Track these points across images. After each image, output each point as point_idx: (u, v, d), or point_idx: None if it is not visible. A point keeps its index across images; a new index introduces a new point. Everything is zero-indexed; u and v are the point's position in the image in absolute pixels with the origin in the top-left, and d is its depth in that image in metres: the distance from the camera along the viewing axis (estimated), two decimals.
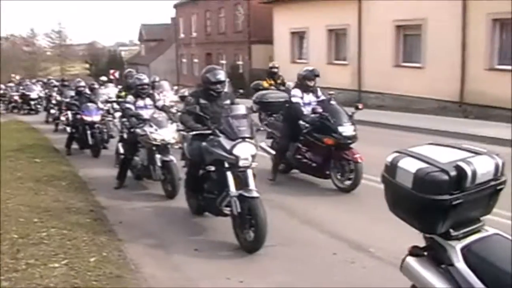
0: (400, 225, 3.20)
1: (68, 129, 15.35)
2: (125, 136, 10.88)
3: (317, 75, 9.65)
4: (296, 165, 9.84)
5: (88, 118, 14.01)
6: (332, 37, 27.25)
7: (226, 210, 6.70)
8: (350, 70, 25.40)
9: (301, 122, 9.42)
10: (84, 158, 13.74)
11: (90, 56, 79.98)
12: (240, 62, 38.36)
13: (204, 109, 7.32)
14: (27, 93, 29.20)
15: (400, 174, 3.04)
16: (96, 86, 18.87)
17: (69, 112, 15.89)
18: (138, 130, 9.61)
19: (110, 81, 28.90)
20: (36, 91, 29.08)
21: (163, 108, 10.18)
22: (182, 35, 50.66)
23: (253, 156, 6.65)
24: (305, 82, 9.56)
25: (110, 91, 21.18)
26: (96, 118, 14.19)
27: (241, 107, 7.09)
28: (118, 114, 13.15)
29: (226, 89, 10.47)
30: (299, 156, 9.58)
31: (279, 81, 16.65)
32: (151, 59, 56.10)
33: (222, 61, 41.03)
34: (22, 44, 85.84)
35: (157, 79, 17.76)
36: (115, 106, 14.08)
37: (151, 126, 9.39)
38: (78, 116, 14.35)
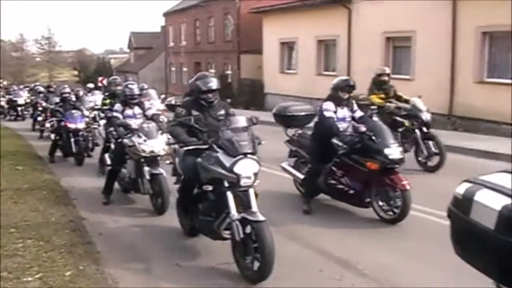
0: (387, 242, 3.01)
1: (52, 136, 14.96)
2: (112, 146, 10.30)
3: (353, 86, 8.33)
4: (328, 190, 8.47)
5: (72, 126, 13.67)
6: (321, 48, 27.12)
7: (226, 234, 6.06)
8: None
9: (335, 141, 8.12)
10: (67, 166, 13.45)
11: (79, 63, 79.60)
12: (229, 72, 38.13)
13: (198, 120, 6.58)
14: (15, 99, 28.63)
15: (478, 211, 2.41)
16: (81, 93, 18.61)
17: (54, 119, 15.64)
18: (125, 141, 8.97)
19: (97, 88, 28.72)
20: (24, 97, 28.47)
21: (152, 118, 9.54)
22: (171, 44, 50.44)
23: (256, 174, 5.91)
24: (338, 93, 8.24)
25: (97, 98, 20.92)
26: (81, 125, 13.86)
27: (241, 118, 6.28)
28: (103, 122, 12.91)
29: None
30: (332, 181, 8.22)
31: (391, 94, 12.21)
32: (140, 67, 55.91)
33: (211, 70, 40.68)
34: (11, 49, 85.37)
35: (145, 86, 17.39)
36: (101, 113, 13.90)
37: (139, 136, 8.76)
38: (62, 123, 13.98)
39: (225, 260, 6.11)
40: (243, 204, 5.93)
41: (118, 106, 9.54)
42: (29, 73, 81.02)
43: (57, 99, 17.04)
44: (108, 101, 12.48)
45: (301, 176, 8.98)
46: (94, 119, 15.41)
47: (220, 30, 39.45)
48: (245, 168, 5.82)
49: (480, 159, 12.84)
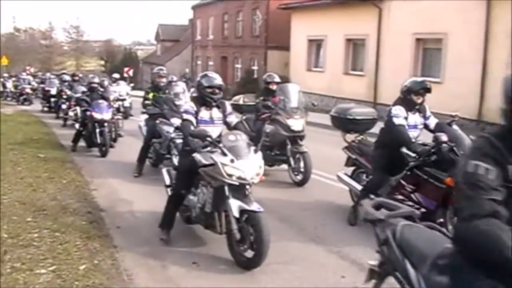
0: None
1: (77, 125, 14.73)
2: (174, 160, 7.96)
3: (429, 89, 7.16)
4: None
5: (98, 116, 13.24)
6: (350, 47, 26.80)
7: None
8: (366, 82, 24.94)
9: (404, 150, 7.11)
10: (89, 156, 13.30)
11: (106, 53, 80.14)
12: (255, 67, 37.94)
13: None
14: (48, 88, 25.87)
15: None
16: (106, 82, 18.53)
17: (77, 108, 15.58)
18: (199, 157, 6.35)
19: (123, 78, 28.73)
20: (56, 87, 24.99)
21: (237, 126, 6.97)
22: (198, 37, 50.42)
23: None
24: (411, 96, 7.12)
25: (122, 88, 21.04)
26: (107, 116, 13.43)
27: None
28: (144, 117, 11.89)
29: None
30: (399, 196, 7.14)
31: None
32: (166, 59, 55.83)
33: (237, 65, 40.74)
34: (39, 37, 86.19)
35: (174, 79, 16.29)
36: (126, 105, 13.74)
37: (224, 154, 6.10)
38: (88, 113, 13.62)
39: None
40: None
41: (190, 107, 6.79)
42: (56, 61, 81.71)
43: (82, 88, 17.02)
44: (151, 94, 11.58)
45: (360, 187, 7.94)
46: (118, 109, 15.33)
47: (248, 25, 39.28)
48: None
49: None
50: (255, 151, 6.29)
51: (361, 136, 8.54)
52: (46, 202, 8.23)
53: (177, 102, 10.50)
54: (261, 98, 11.17)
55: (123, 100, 19.05)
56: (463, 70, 19.19)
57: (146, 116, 11.64)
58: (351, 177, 8.38)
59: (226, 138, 6.33)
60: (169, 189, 7.43)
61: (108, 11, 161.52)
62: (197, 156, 6.34)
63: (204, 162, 6.23)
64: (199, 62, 50.21)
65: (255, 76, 36.71)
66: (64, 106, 20.55)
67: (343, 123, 8.85)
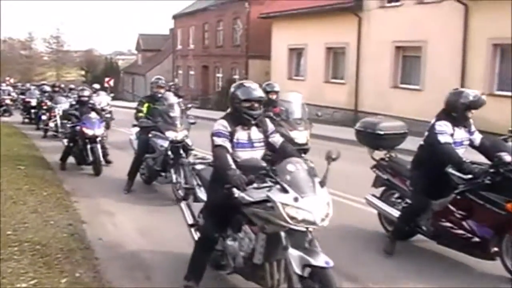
0: (403, 260, 2.84)
1: (65, 141, 13.74)
2: (199, 193, 6.10)
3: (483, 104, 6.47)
4: (434, 233, 6.70)
5: (89, 132, 12.16)
6: (330, 55, 26.97)
7: None
8: (347, 89, 25.10)
9: (452, 171, 6.43)
10: (71, 168, 12.93)
11: (86, 63, 79.79)
12: (236, 76, 37.88)
13: None
14: (28, 99, 25.44)
15: None
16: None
17: (58, 118, 15.40)
18: (242, 195, 4.80)
19: (103, 88, 28.67)
20: (36, 98, 24.81)
21: (286, 148, 5.40)
22: (179, 47, 50.40)
23: None
24: (466, 113, 6.42)
25: (102, 99, 20.99)
26: (99, 131, 12.33)
27: None
28: (135, 130, 11.15)
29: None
30: (447, 224, 6.43)
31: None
32: (147, 68, 55.72)
33: (218, 75, 40.76)
34: (19, 47, 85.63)
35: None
36: (107, 115, 13.58)
37: (284, 190, 4.45)
38: (78, 128, 12.48)
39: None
40: None
41: (223, 126, 5.13)
42: (37, 71, 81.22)
43: (63, 99, 16.92)
44: (145, 105, 10.70)
45: (395, 213, 7.17)
46: None
47: (229, 34, 39.37)
48: None
49: None
50: (321, 185, 4.63)
51: (391, 153, 7.77)
52: (27, 215, 8.14)
53: (171, 114, 9.84)
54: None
55: (104, 110, 18.96)
56: (443, 77, 19.38)
57: (137, 129, 10.86)
58: (380, 199, 7.62)
59: (284, 168, 4.60)
60: (193, 229, 6.09)
61: (88, 21, 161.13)
62: (240, 194, 4.79)
63: (249, 199, 4.73)
64: (180, 72, 50.17)
65: None
66: (44, 117, 20.39)
67: (372, 139, 7.81)
